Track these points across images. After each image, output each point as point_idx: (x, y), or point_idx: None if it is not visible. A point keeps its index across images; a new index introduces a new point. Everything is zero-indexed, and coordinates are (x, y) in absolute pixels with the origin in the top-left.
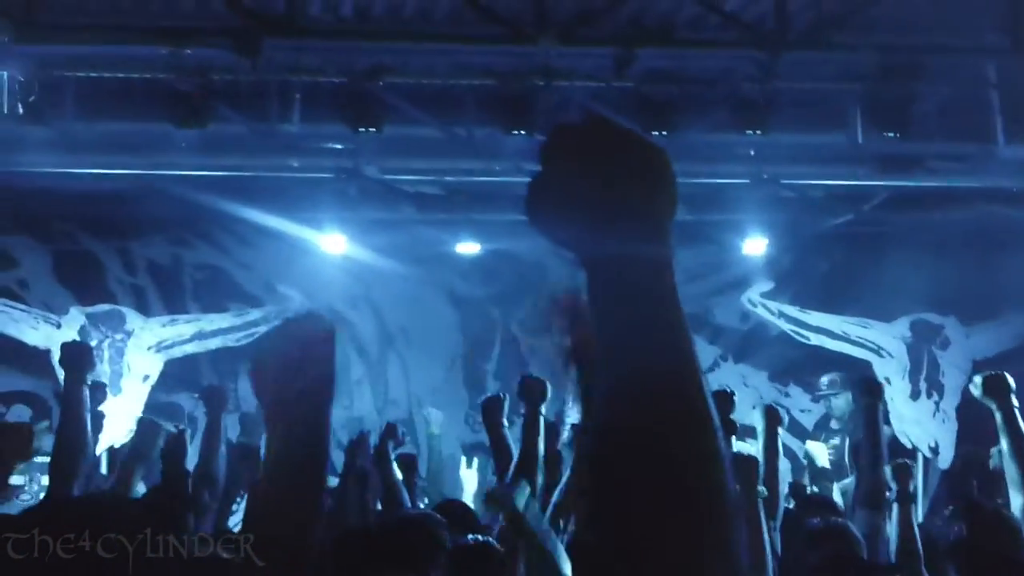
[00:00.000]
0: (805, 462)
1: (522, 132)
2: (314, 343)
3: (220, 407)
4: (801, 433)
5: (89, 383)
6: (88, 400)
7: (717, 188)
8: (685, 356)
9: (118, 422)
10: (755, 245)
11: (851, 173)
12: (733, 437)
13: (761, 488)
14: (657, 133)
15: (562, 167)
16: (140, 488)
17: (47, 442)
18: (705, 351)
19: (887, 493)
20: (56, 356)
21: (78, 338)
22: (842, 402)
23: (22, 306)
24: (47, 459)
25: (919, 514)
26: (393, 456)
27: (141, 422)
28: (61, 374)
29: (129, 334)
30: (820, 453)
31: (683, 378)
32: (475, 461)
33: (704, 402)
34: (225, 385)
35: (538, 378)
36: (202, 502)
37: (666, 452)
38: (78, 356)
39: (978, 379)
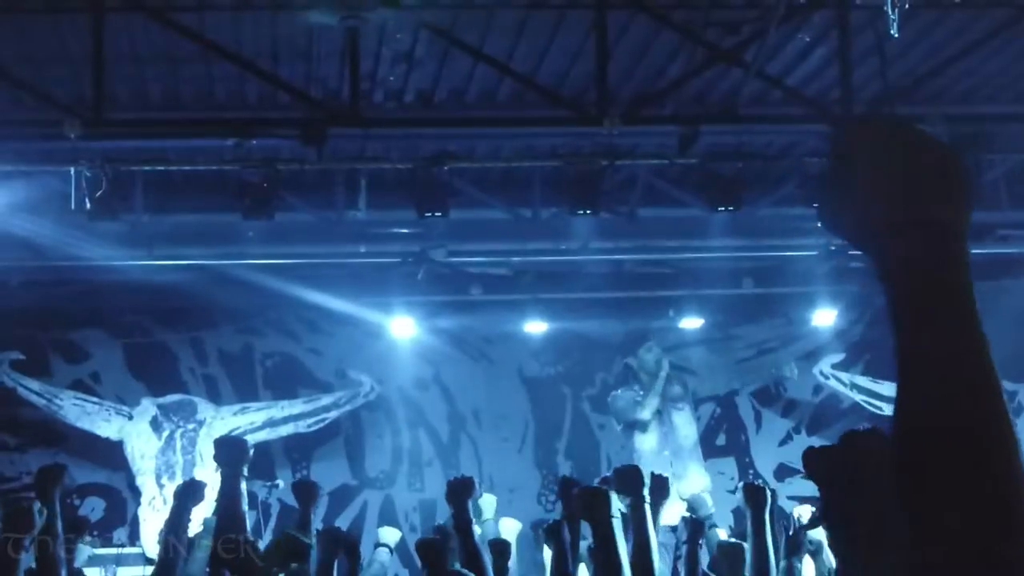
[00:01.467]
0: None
1: (588, 212)
2: None
3: (311, 501)
4: None
5: (246, 475)
6: (245, 493)
7: (785, 261)
8: (981, 363)
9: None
10: (825, 316)
11: None
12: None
13: None
14: (724, 208)
15: (860, 165)
16: None
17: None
18: (777, 424)
19: None
20: (123, 447)
21: (150, 428)
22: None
23: (94, 399)
24: (118, 551)
25: None
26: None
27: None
28: (216, 468)
29: (201, 423)
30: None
31: (982, 391)
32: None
33: (1003, 412)
34: (308, 475)
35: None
36: None
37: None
38: (233, 451)
39: None
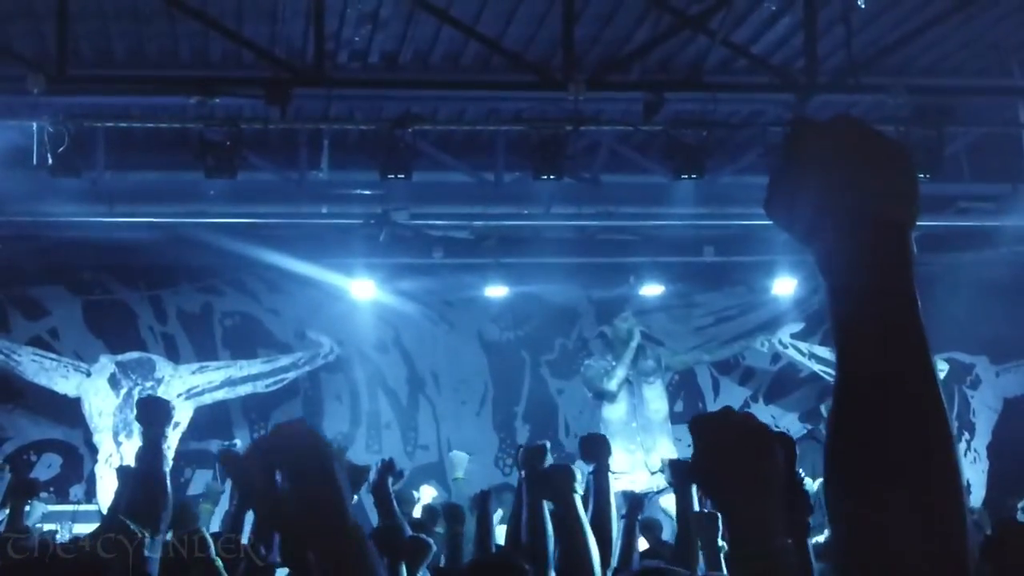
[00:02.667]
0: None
1: (551, 177)
2: None
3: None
4: None
5: (167, 436)
6: (165, 454)
7: (747, 230)
8: (918, 360)
9: None
10: (785, 286)
11: None
12: None
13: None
14: (686, 176)
15: (804, 161)
16: None
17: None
18: (735, 392)
19: None
20: (81, 404)
21: (108, 385)
22: None
23: (53, 355)
24: (75, 507)
25: None
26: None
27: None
28: (139, 428)
29: (159, 382)
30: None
31: (913, 382)
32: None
33: (936, 397)
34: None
35: (600, 435)
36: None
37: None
38: (155, 411)
39: None
